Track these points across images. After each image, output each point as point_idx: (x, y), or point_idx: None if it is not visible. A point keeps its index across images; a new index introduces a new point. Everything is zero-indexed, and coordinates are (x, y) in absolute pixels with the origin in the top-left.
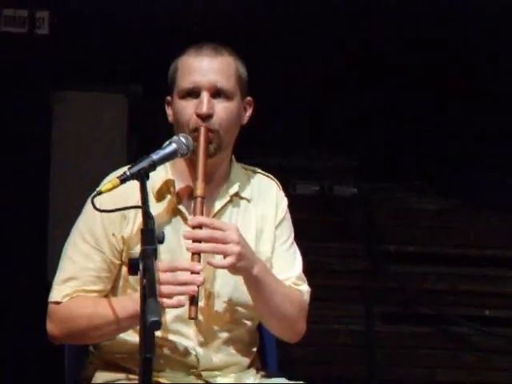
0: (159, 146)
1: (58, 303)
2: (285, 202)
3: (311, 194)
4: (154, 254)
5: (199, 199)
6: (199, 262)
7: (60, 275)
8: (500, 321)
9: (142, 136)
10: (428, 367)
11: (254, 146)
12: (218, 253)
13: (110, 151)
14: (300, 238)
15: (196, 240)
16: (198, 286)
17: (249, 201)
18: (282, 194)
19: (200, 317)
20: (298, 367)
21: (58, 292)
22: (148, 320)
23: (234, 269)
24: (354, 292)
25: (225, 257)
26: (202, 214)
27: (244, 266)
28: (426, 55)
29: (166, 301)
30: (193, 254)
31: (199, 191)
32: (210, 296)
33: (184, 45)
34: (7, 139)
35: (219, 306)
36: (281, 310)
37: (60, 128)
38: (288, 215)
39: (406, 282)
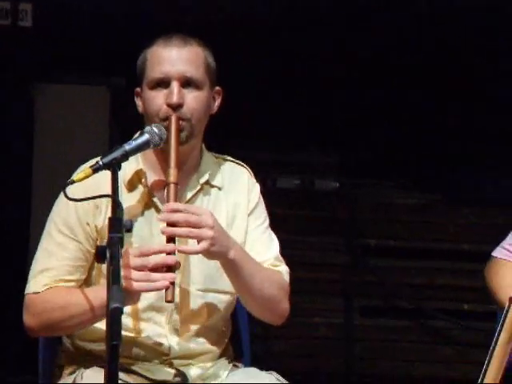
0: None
1: (35, 294)
2: (257, 188)
3: (292, 187)
4: (121, 241)
5: (172, 185)
6: (173, 245)
7: (36, 266)
8: (478, 315)
9: (124, 128)
10: (407, 361)
11: (236, 140)
12: (192, 237)
13: (92, 143)
14: (280, 232)
15: (170, 224)
16: (175, 270)
17: (220, 189)
18: (254, 180)
19: (174, 303)
20: (278, 360)
21: (35, 283)
22: (110, 306)
23: (208, 253)
24: (333, 285)
25: (199, 242)
26: (175, 199)
27: (219, 250)
28: (415, 55)
29: (137, 284)
30: (167, 239)
31: (172, 178)
32: (182, 285)
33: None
34: None
35: (193, 294)
36: (262, 292)
37: (42, 120)
38: (261, 200)
39: (385, 275)
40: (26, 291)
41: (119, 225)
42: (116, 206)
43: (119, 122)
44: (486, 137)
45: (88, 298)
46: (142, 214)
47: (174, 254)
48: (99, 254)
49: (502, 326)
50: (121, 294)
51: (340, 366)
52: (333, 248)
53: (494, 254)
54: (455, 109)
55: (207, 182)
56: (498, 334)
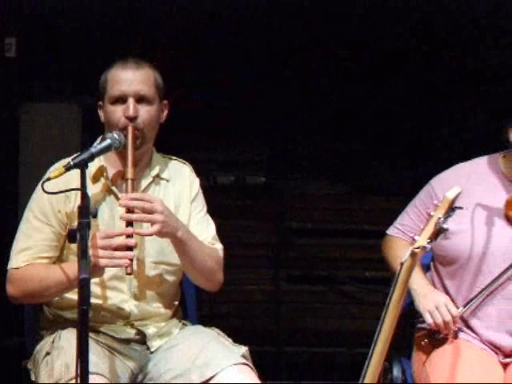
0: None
1: (16, 269)
2: (197, 181)
3: (228, 183)
4: (88, 225)
5: (130, 181)
6: (131, 229)
7: (17, 246)
8: (377, 280)
9: (94, 139)
10: (323, 318)
11: (181, 142)
12: (146, 221)
13: (67, 151)
14: (221, 218)
15: (129, 211)
16: (133, 249)
17: (167, 181)
18: (194, 175)
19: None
20: (221, 320)
21: (16, 260)
22: (80, 277)
23: (160, 234)
24: (264, 260)
25: (152, 225)
26: (132, 191)
27: (169, 231)
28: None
29: (103, 261)
30: (126, 223)
31: (130, 175)
32: (139, 258)
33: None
34: None
35: (148, 266)
36: (202, 265)
37: (26, 133)
38: (200, 191)
39: (306, 251)
40: (9, 266)
41: (87, 212)
42: (84, 197)
43: (89, 134)
44: (392, 135)
45: (61, 272)
46: (104, 200)
47: (132, 236)
48: (71, 236)
49: (395, 286)
50: (88, 268)
51: (271, 323)
52: (263, 230)
53: (388, 232)
54: (367, 106)
55: (157, 175)
56: (392, 293)
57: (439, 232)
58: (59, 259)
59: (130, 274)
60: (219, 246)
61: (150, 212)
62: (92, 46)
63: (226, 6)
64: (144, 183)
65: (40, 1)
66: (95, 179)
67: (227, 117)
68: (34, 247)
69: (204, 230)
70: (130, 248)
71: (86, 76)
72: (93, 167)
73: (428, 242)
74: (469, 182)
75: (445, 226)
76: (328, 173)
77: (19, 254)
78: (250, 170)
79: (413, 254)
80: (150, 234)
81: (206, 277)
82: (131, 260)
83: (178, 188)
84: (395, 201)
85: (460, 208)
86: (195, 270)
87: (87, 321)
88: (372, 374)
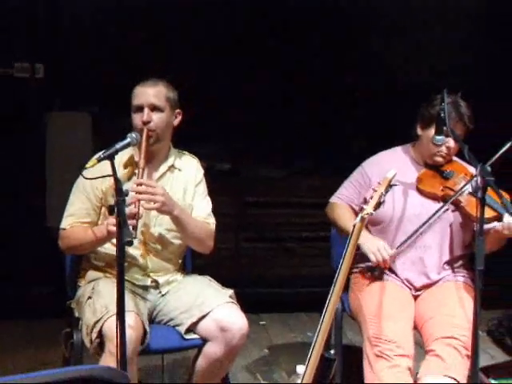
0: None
1: (63, 229)
2: (201, 170)
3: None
4: (124, 202)
5: (141, 169)
6: (139, 206)
7: (66, 212)
8: (311, 239)
9: (102, 138)
10: (273, 267)
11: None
12: (147, 200)
13: (80, 149)
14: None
15: (137, 192)
16: (137, 219)
17: (179, 170)
18: (200, 166)
19: (141, 238)
20: (200, 271)
21: (64, 222)
22: (124, 240)
23: (159, 211)
24: (229, 226)
25: (154, 203)
26: (142, 177)
27: (167, 209)
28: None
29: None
30: (133, 200)
31: (142, 165)
32: (149, 226)
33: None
34: (22, 144)
35: (158, 232)
36: (194, 235)
37: (50, 135)
38: (203, 179)
39: (259, 219)
40: (60, 226)
41: (121, 192)
42: (118, 181)
43: (98, 135)
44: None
45: (92, 234)
46: (130, 179)
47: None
48: (110, 210)
49: (349, 242)
50: (129, 233)
51: (235, 272)
52: (228, 204)
53: (331, 200)
54: (300, 102)
55: (172, 166)
56: (347, 247)
57: (380, 203)
58: (96, 224)
59: (128, 243)
60: (212, 221)
61: (153, 194)
62: (99, 70)
63: None
64: (162, 170)
65: (59, 37)
66: (125, 166)
67: (204, 121)
68: (76, 214)
69: (202, 209)
70: (135, 217)
71: (94, 91)
72: (124, 156)
73: (373, 210)
74: (390, 164)
75: (384, 198)
76: (275, 160)
77: (66, 218)
78: (219, 159)
79: (362, 219)
80: (152, 209)
81: (197, 243)
82: (134, 228)
83: (187, 175)
84: (324, 180)
85: (395, 185)
86: (188, 238)
87: (123, 272)
88: (333, 303)
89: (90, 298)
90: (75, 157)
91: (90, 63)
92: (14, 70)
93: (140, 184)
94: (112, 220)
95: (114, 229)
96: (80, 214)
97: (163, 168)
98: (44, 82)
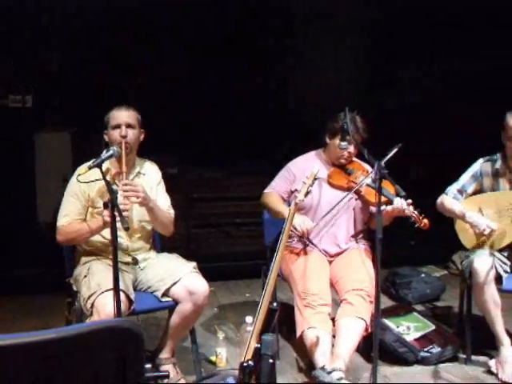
0: (97, 155)
1: (62, 226)
2: (160, 173)
3: None
4: (117, 198)
5: (124, 173)
6: (127, 201)
7: (61, 213)
8: (243, 224)
9: (79, 152)
10: (215, 247)
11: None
12: (133, 196)
13: (64, 161)
14: None
15: (124, 190)
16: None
17: (144, 174)
18: (158, 169)
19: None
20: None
21: (61, 221)
22: (124, 226)
23: (141, 204)
24: (181, 216)
25: (137, 198)
26: (126, 179)
27: (146, 202)
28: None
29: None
30: (124, 197)
31: (124, 169)
32: (130, 216)
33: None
34: (14, 160)
35: (136, 220)
36: (160, 221)
37: (39, 151)
38: (162, 180)
39: (203, 210)
40: (57, 224)
41: (113, 191)
42: (108, 183)
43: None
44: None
45: (87, 227)
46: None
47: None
48: (105, 205)
49: (286, 222)
50: (126, 222)
51: (187, 253)
52: (179, 199)
53: (265, 191)
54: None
55: (139, 171)
56: (285, 225)
57: (308, 192)
58: (85, 221)
59: (126, 228)
60: (172, 211)
61: (135, 191)
62: (77, 98)
63: None
64: (131, 176)
65: (48, 71)
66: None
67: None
68: (71, 213)
69: (164, 201)
70: (124, 211)
71: (73, 114)
72: (103, 168)
73: (304, 197)
74: (308, 164)
75: (310, 188)
76: (212, 164)
77: (63, 217)
78: (169, 164)
79: (296, 204)
80: (136, 203)
81: (162, 228)
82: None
83: (150, 178)
84: (253, 178)
85: (320, 178)
86: (157, 224)
87: (117, 253)
88: (276, 268)
89: (85, 276)
90: (58, 167)
91: (72, 94)
92: (9, 100)
93: (125, 184)
94: (107, 213)
95: (109, 219)
96: (74, 214)
97: (132, 173)
98: (32, 110)
